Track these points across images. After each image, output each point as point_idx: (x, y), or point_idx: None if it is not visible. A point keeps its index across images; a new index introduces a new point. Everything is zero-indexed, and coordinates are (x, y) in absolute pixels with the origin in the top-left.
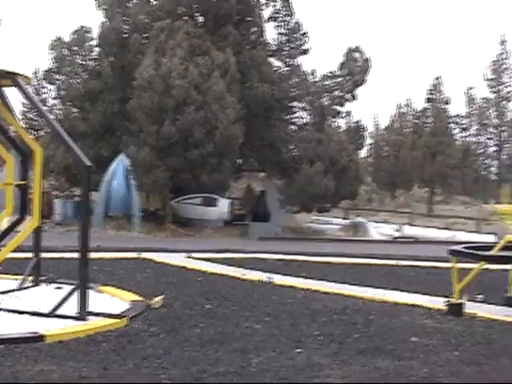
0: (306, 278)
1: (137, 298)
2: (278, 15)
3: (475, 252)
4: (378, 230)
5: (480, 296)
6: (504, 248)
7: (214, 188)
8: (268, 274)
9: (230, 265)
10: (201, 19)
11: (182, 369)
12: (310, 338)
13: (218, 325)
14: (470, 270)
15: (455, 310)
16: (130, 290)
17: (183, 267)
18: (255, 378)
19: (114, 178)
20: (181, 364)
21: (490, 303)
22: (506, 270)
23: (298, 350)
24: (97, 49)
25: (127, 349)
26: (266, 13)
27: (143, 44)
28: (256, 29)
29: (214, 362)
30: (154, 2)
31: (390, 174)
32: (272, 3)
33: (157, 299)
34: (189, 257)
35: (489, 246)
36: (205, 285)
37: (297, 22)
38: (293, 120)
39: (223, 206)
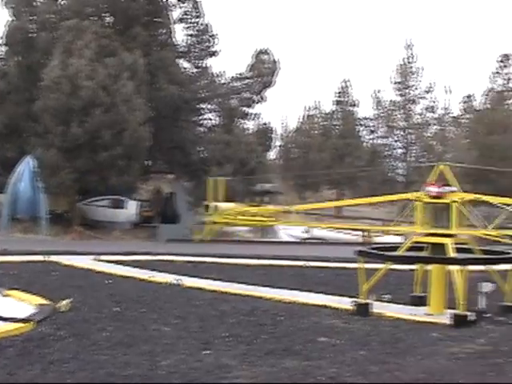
0: (214, 279)
1: (44, 301)
2: (187, 17)
3: (381, 253)
4: (287, 232)
5: (387, 296)
6: (410, 248)
7: (122, 190)
8: (176, 276)
9: (138, 267)
10: (109, 19)
11: (89, 372)
12: (219, 340)
13: (126, 327)
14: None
15: (362, 309)
16: (36, 294)
17: (91, 270)
18: (164, 380)
19: (20, 179)
20: (89, 367)
21: (396, 303)
22: (412, 270)
23: (207, 352)
24: (3, 48)
25: (34, 353)
26: (175, 14)
27: (51, 44)
28: (165, 30)
29: (122, 365)
30: (62, 2)
31: (298, 175)
32: (181, 4)
33: (64, 303)
34: (96, 259)
35: (395, 247)
36: (113, 287)
37: (206, 24)
38: (201, 122)
39: (131, 208)
